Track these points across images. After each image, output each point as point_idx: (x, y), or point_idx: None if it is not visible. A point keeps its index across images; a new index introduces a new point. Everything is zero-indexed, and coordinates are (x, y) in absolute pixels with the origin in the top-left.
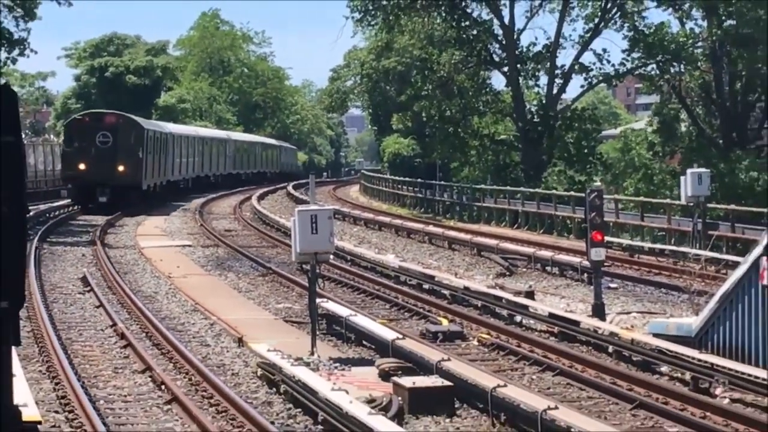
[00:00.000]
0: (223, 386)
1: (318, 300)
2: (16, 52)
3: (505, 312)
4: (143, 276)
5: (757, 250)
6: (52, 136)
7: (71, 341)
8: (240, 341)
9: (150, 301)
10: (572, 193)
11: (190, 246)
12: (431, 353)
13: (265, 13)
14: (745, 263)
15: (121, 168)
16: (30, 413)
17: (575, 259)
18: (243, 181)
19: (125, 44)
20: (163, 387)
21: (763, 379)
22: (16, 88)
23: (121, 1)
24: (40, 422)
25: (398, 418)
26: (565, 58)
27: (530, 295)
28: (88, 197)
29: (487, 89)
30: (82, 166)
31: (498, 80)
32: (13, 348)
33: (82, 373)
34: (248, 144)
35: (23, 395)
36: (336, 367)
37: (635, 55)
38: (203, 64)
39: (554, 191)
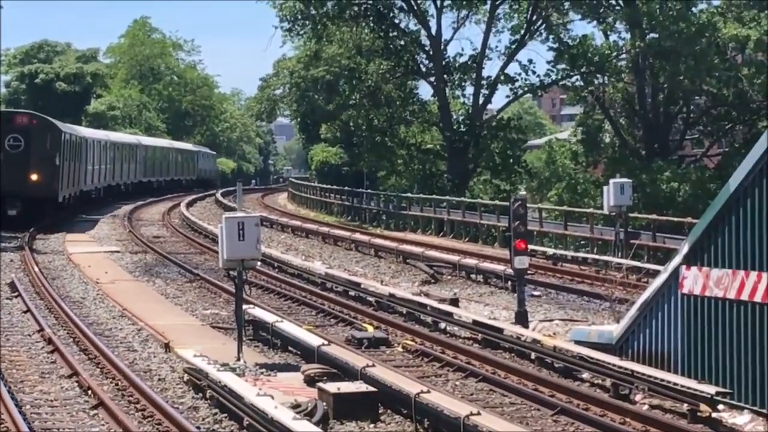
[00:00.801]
0: (150, 391)
1: (245, 306)
2: None
3: (429, 319)
4: (71, 281)
5: (677, 260)
6: None
7: None
8: (167, 347)
9: (78, 307)
10: (497, 202)
11: (118, 252)
12: (356, 359)
13: (195, 21)
14: (665, 272)
15: (34, 177)
16: None
17: (499, 267)
18: (155, 190)
19: (55, 51)
20: (89, 392)
21: (682, 386)
22: None
23: (54, 4)
24: None
25: (323, 424)
26: (491, 68)
27: (455, 302)
28: None
29: (414, 99)
30: None
31: (425, 90)
32: None
33: (9, 378)
34: (161, 149)
35: None
36: (262, 373)
37: (560, 66)
38: (133, 72)
39: (479, 200)
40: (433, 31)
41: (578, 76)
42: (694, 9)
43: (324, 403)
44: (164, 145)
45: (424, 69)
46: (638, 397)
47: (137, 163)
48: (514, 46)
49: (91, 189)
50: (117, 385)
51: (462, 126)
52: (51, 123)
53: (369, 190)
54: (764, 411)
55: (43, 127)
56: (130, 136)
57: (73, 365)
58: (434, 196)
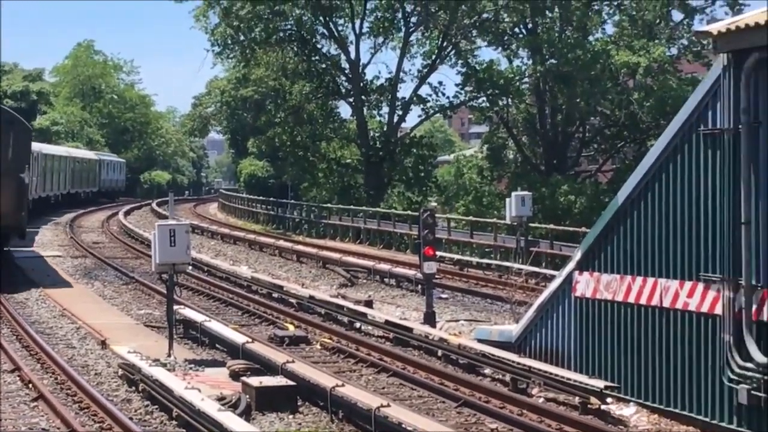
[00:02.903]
0: (87, 385)
1: (176, 307)
2: None
3: (346, 319)
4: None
5: (570, 266)
6: None
7: None
8: (103, 344)
9: (21, 307)
10: (409, 212)
11: (60, 256)
12: (278, 356)
13: (135, 43)
14: (560, 277)
15: None
16: None
17: (410, 272)
18: (51, 206)
19: (3, 70)
20: (30, 385)
21: (574, 381)
22: None
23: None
24: None
25: (246, 415)
26: (405, 90)
27: (369, 304)
28: None
29: (335, 117)
30: None
31: (345, 109)
32: None
33: None
34: (50, 158)
35: None
36: (191, 368)
37: (468, 88)
38: (76, 90)
39: (393, 210)
40: (353, 56)
41: (484, 98)
42: (590, 38)
43: (247, 396)
44: (54, 153)
45: (343, 90)
46: (535, 391)
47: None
48: (425, 70)
49: None
50: (56, 379)
51: (378, 143)
52: None
53: (292, 201)
54: (648, 403)
55: None
56: None
57: (15, 361)
58: (352, 207)
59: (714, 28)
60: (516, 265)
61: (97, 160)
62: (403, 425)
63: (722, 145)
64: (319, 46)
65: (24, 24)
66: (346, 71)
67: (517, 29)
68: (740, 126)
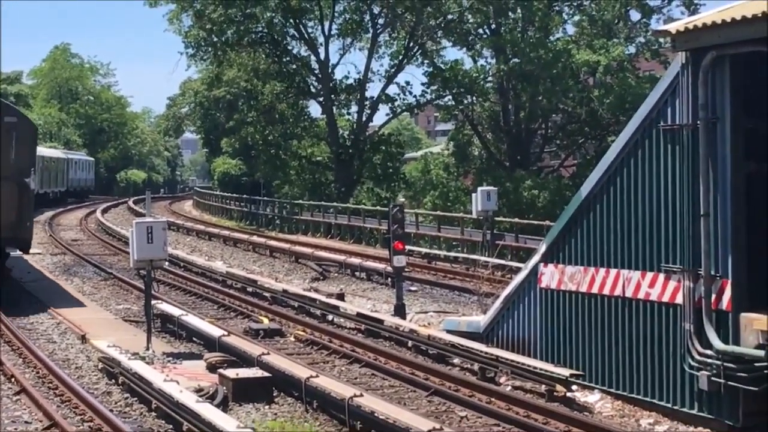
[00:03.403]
0: (68, 378)
1: (153, 301)
2: None
3: (318, 312)
4: None
5: (536, 258)
6: None
7: None
8: (83, 338)
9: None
10: (378, 207)
11: (40, 254)
12: (253, 348)
13: (111, 46)
14: (526, 269)
15: None
16: None
17: (380, 266)
18: None
19: None
20: (12, 379)
21: (540, 369)
22: None
23: None
24: None
25: (223, 405)
26: (373, 89)
27: (341, 297)
28: None
29: (305, 116)
30: None
31: (315, 109)
32: None
33: None
34: None
35: None
36: (169, 361)
37: (434, 87)
38: (53, 92)
39: (363, 206)
40: (322, 57)
41: (450, 97)
42: (551, 37)
43: (224, 388)
44: None
45: (314, 90)
46: (502, 380)
47: None
48: (393, 70)
49: None
50: (38, 373)
51: (347, 141)
52: None
53: (265, 198)
54: (612, 390)
55: None
56: None
57: None
58: (323, 203)
59: (672, 27)
60: (483, 258)
61: (65, 159)
62: (376, 414)
63: (681, 140)
64: (289, 47)
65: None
66: (316, 72)
67: (481, 30)
68: (698, 122)
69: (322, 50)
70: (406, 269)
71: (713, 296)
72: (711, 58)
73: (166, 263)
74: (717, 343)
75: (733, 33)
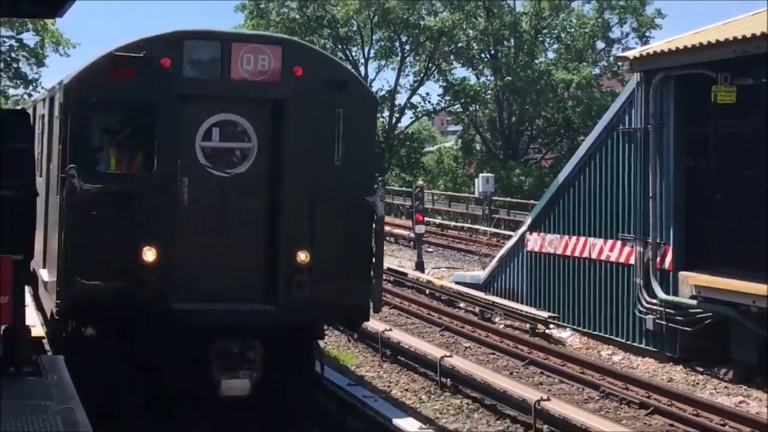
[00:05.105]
0: None
1: None
2: (30, 88)
3: None
4: None
5: (523, 228)
6: None
7: None
8: None
9: None
10: (404, 188)
11: None
12: None
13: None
14: (516, 236)
15: None
16: (37, 331)
17: (405, 232)
18: None
19: None
20: None
21: (526, 312)
22: None
23: None
24: (43, 338)
25: None
26: (401, 99)
27: None
28: None
29: None
30: None
31: None
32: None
33: None
34: None
35: (31, 319)
36: None
37: (447, 98)
38: None
39: (392, 187)
40: (363, 74)
41: (459, 105)
42: (536, 61)
43: None
44: None
45: None
46: (497, 319)
47: None
48: (416, 84)
49: None
50: None
51: (380, 137)
52: None
53: None
54: (580, 329)
55: None
56: None
57: None
58: None
59: (631, 54)
60: (483, 228)
61: None
62: (401, 343)
63: (636, 140)
64: None
65: None
66: None
67: (483, 54)
68: (649, 126)
69: (362, 68)
70: (424, 235)
71: (658, 258)
72: (660, 77)
73: None
74: (661, 294)
75: (677, 59)
